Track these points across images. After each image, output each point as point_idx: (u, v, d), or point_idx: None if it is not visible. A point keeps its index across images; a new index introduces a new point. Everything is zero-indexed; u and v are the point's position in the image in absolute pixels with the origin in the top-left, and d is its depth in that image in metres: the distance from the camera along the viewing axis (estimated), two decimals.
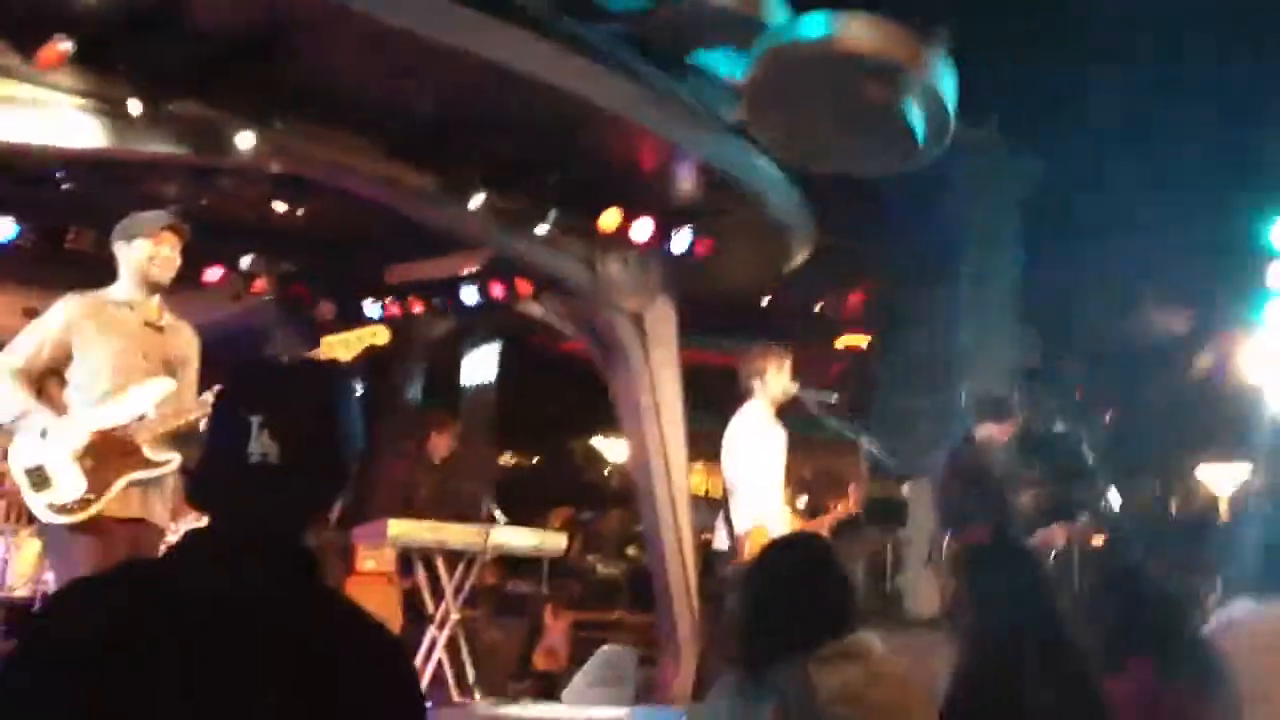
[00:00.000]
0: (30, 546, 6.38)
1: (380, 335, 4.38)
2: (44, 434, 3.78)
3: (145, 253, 4.00)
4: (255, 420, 1.43)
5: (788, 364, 5.50)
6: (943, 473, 6.38)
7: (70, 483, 3.73)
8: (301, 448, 1.44)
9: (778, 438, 5.48)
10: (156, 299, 4.08)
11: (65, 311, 3.93)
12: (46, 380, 3.91)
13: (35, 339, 3.90)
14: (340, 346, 4.26)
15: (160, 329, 4.06)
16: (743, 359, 5.60)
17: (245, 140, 5.80)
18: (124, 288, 4.04)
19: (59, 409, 3.85)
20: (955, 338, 10.02)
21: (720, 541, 5.29)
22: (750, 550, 5.02)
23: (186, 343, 4.17)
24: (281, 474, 1.43)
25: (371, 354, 4.41)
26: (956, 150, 9.33)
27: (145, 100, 5.45)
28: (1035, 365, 11.50)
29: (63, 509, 3.72)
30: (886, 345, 10.55)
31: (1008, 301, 10.41)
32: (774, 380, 5.44)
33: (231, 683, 1.27)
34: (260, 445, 1.43)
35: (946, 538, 5.94)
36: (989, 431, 6.24)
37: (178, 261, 4.09)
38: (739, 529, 5.14)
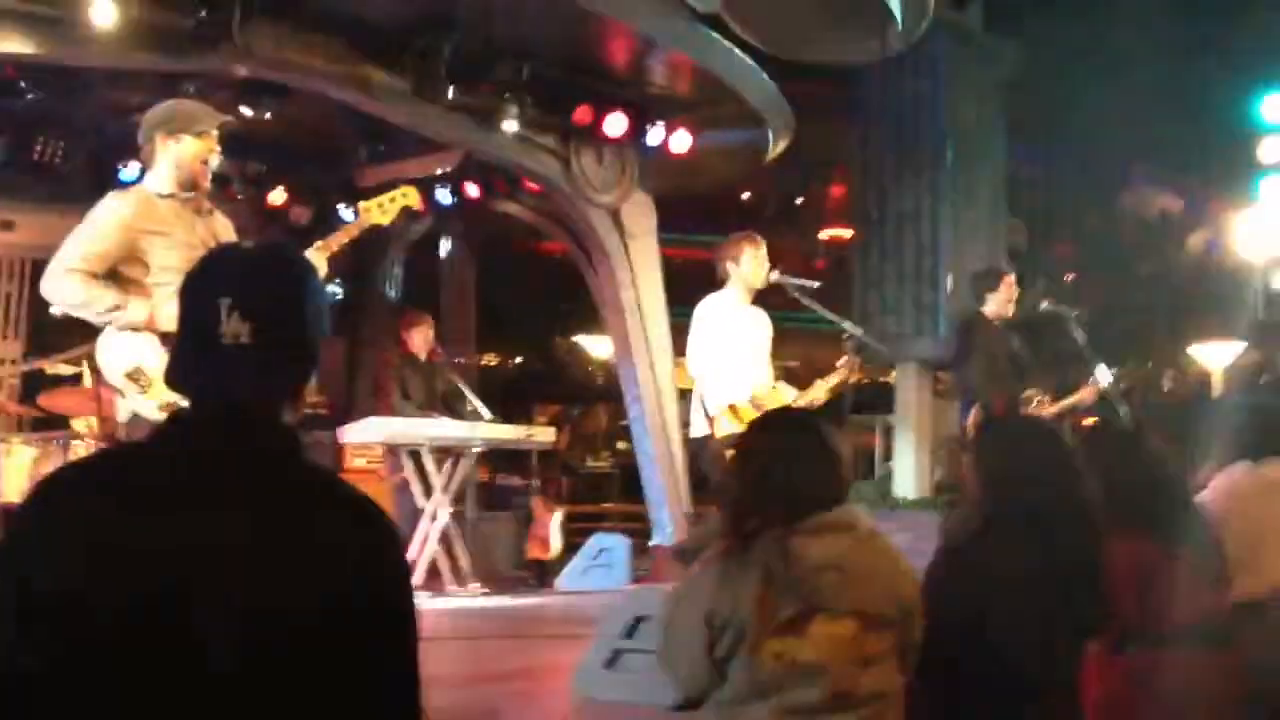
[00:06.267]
0: (23, 454, 6.13)
1: (411, 196, 4.40)
2: (133, 333, 3.54)
3: (193, 153, 3.69)
4: (225, 303, 1.45)
5: (764, 250, 5.41)
6: (955, 347, 6.52)
7: None
8: (271, 328, 1.47)
9: (751, 318, 5.42)
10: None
11: (117, 210, 3.62)
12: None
13: (93, 241, 3.57)
14: (377, 210, 4.26)
15: (207, 214, 3.79)
16: (719, 246, 5.52)
17: (211, 46, 5.69)
18: (163, 182, 3.71)
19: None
20: (938, 226, 9.94)
21: (696, 429, 5.25)
22: (721, 427, 5.04)
23: (232, 227, 3.90)
24: (253, 354, 1.45)
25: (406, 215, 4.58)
26: (936, 34, 9.23)
27: (108, 8, 5.36)
28: (1021, 251, 11.45)
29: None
30: (867, 236, 10.47)
31: (992, 189, 10.31)
32: (750, 265, 5.34)
33: (228, 543, 1.30)
34: (231, 326, 1.45)
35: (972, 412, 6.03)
36: (993, 304, 6.38)
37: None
38: (710, 410, 5.11)
